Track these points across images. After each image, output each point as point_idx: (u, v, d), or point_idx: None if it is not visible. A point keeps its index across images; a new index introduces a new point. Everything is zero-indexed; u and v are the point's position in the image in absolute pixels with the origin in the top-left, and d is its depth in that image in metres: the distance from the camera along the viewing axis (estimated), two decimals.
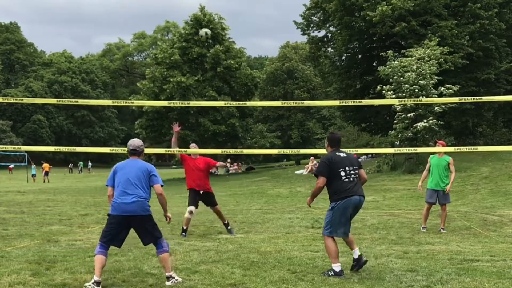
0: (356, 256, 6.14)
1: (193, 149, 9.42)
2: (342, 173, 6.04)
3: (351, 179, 6.06)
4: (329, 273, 5.93)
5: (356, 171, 6.15)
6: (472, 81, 27.97)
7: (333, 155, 6.16)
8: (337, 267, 5.90)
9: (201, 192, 9.19)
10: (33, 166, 41.10)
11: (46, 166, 40.65)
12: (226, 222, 9.57)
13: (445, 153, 9.64)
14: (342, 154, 6.18)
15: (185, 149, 9.79)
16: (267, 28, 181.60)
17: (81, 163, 61.35)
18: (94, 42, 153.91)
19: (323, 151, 6.63)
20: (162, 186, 5.76)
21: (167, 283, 5.51)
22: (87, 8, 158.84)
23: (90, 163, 62.08)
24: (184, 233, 9.12)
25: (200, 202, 9.29)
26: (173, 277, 5.54)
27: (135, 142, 5.93)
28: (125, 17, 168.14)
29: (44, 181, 37.72)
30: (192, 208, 9.06)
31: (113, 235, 5.60)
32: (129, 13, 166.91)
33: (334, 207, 6.01)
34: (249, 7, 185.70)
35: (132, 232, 5.70)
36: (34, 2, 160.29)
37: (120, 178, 5.66)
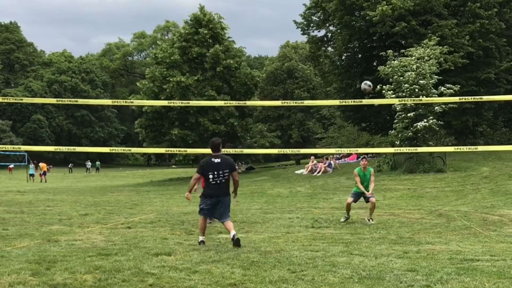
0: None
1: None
2: None
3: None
4: None
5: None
6: (472, 80, 27.94)
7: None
8: None
9: None
10: (32, 166, 41.01)
11: (44, 166, 40.62)
12: None
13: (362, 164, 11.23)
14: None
15: (185, 149, 9.83)
16: (267, 28, 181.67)
17: (97, 162, 61.28)
18: (93, 42, 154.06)
19: (323, 151, 6.65)
20: None
21: None
22: (86, 8, 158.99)
23: (90, 163, 61.89)
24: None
25: None
26: None
27: None
28: (124, 17, 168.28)
29: (41, 181, 37.77)
30: None
31: None
32: (129, 13, 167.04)
33: None
34: (249, 7, 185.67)
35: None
36: (33, 2, 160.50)
37: None
